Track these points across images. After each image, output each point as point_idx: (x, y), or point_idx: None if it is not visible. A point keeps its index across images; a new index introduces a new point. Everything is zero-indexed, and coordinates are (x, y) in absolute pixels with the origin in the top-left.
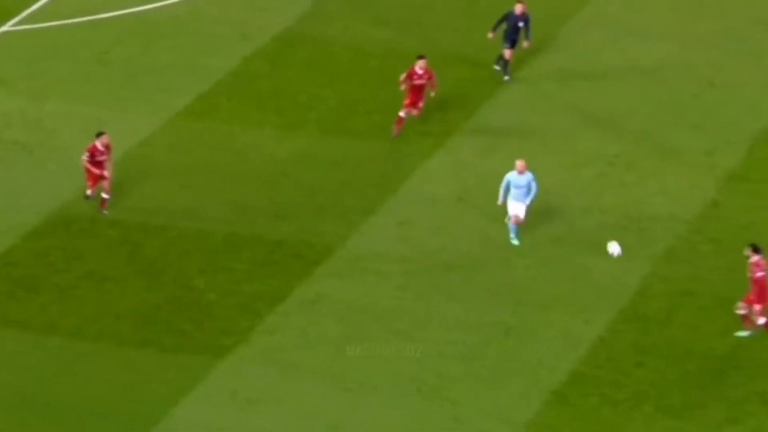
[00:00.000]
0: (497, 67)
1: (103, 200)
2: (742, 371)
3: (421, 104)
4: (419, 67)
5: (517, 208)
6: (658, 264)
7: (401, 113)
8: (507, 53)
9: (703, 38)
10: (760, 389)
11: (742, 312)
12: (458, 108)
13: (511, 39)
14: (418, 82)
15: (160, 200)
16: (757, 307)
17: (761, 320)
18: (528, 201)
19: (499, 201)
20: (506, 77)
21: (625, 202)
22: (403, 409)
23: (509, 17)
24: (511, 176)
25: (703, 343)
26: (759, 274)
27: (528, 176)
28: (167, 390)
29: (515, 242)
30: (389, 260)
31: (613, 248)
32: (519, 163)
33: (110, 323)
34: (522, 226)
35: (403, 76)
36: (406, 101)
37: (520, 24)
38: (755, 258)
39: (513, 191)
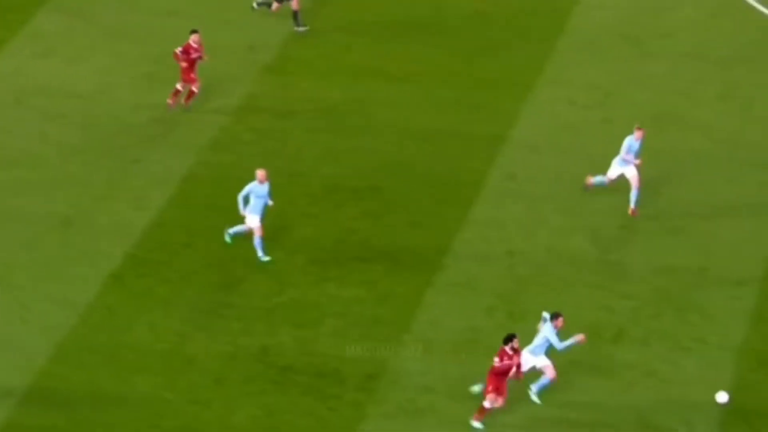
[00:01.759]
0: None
1: None
2: (285, 246)
3: (194, 76)
4: (193, 41)
5: (255, 221)
6: (204, 153)
7: (178, 86)
8: (293, 4)
9: None
10: (299, 262)
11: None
12: (14, 13)
13: None
14: (194, 56)
15: None
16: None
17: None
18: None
19: (241, 211)
20: (300, 29)
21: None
22: None
23: None
24: (253, 186)
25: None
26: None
27: (267, 185)
28: None
29: (265, 258)
30: None
31: (722, 397)
32: (260, 173)
33: None
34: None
35: (179, 51)
36: (187, 76)
37: None
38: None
39: (253, 201)
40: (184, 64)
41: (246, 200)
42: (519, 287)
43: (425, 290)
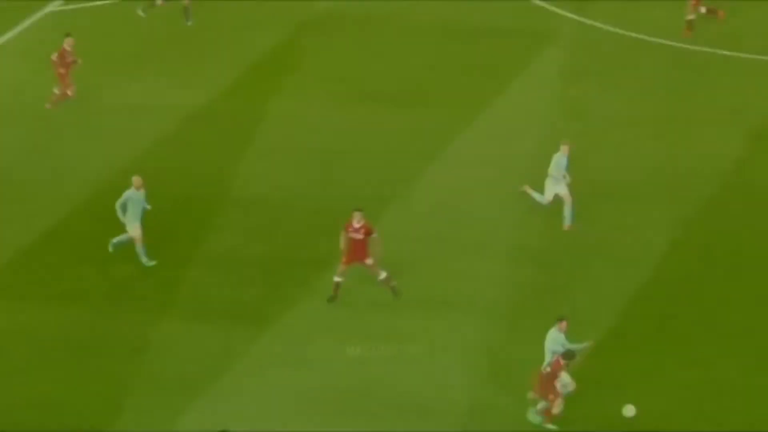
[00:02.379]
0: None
1: None
2: (45, 229)
3: (69, 81)
4: (68, 44)
5: (137, 228)
6: None
7: (68, 92)
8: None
9: None
10: (58, 244)
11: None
12: None
13: None
14: (69, 59)
15: None
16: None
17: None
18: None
19: (121, 219)
20: (189, 22)
21: None
22: None
23: None
24: (130, 193)
25: None
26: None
27: (143, 191)
28: None
29: (150, 263)
30: None
31: (629, 411)
32: (136, 180)
33: None
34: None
35: (55, 58)
36: (63, 80)
37: None
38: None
39: (131, 208)
40: (62, 70)
41: (124, 208)
42: (279, 258)
43: (188, 264)
